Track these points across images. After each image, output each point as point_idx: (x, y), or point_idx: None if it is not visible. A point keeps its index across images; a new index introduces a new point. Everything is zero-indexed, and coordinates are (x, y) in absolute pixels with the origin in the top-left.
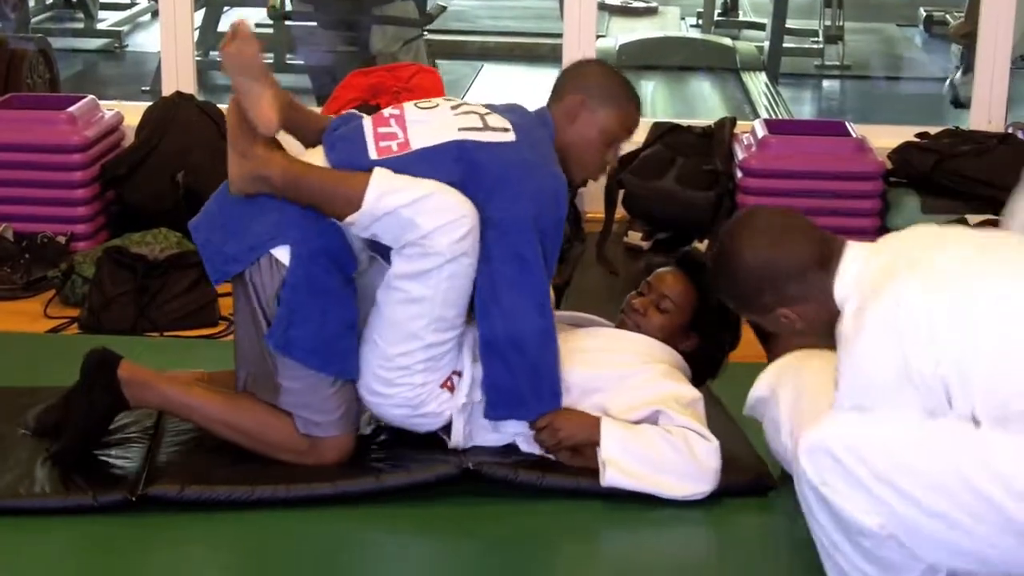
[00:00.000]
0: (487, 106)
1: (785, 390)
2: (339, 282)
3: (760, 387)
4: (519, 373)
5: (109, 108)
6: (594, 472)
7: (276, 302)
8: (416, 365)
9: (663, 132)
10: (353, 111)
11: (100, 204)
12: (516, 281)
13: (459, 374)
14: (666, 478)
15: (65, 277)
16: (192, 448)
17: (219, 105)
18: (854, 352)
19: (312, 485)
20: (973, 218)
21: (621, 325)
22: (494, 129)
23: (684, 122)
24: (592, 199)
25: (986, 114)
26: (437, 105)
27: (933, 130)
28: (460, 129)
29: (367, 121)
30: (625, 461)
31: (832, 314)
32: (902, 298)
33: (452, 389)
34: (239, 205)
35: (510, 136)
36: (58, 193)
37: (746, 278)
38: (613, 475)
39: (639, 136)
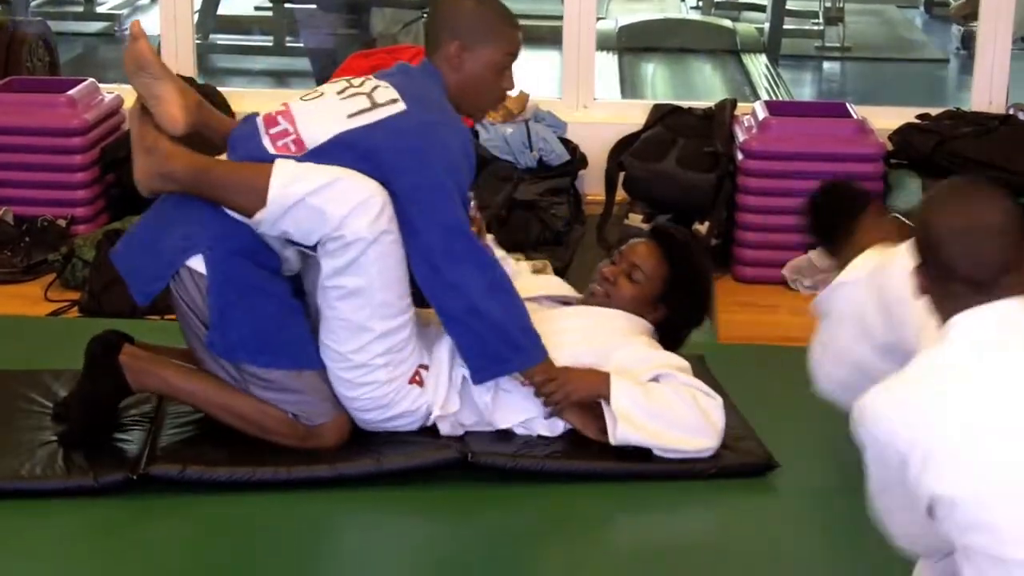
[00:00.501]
0: (376, 76)
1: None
2: (262, 277)
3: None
4: (487, 334)
5: (109, 91)
6: (594, 454)
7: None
8: (375, 360)
9: (664, 114)
10: (253, 113)
11: (100, 187)
12: (448, 250)
13: (425, 368)
14: (676, 432)
15: (65, 260)
16: (193, 430)
17: (220, 89)
18: (905, 378)
19: (312, 467)
20: None
21: (592, 294)
22: (382, 104)
23: (685, 104)
24: (593, 181)
25: (987, 95)
26: (323, 94)
27: (934, 111)
28: (349, 116)
29: (260, 120)
30: (635, 414)
31: (939, 316)
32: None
33: (421, 383)
34: (151, 227)
35: (400, 106)
36: (58, 176)
37: (918, 229)
38: (624, 430)
39: (640, 119)
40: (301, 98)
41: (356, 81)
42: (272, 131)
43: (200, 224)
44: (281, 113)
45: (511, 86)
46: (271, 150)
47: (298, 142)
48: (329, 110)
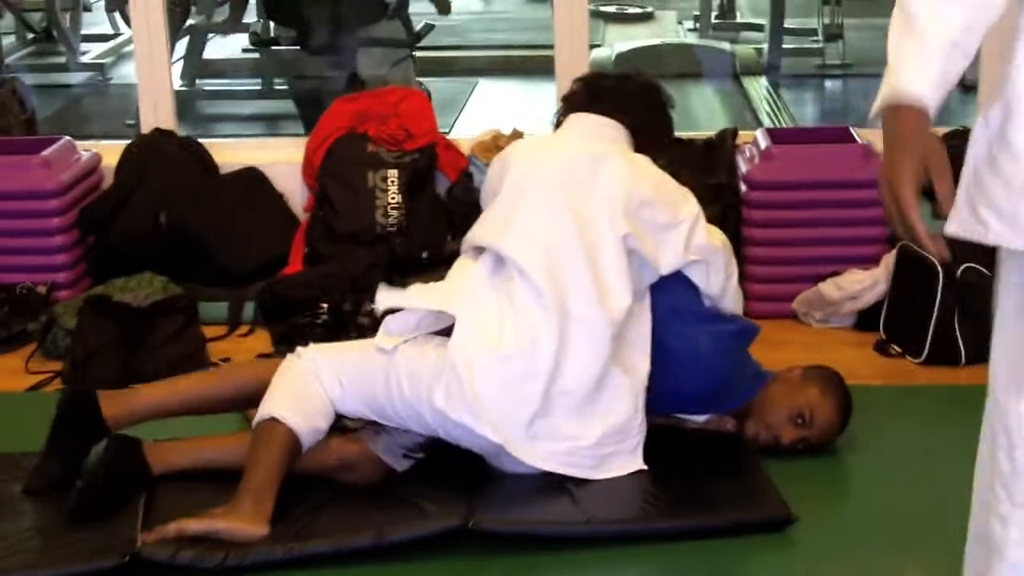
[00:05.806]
0: None
1: None
2: None
3: None
4: None
5: (86, 149)
6: (607, 517)
7: None
8: None
9: None
10: None
11: (80, 250)
12: None
13: None
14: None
15: (46, 330)
16: (184, 506)
17: (201, 140)
18: None
19: (309, 543)
20: None
21: None
22: None
23: (685, 135)
24: None
25: None
26: None
27: (940, 131)
28: None
29: None
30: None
31: None
32: None
33: None
34: None
35: None
36: (35, 241)
37: None
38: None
39: None
40: None
41: None
42: None
43: None
44: None
45: None
46: None
47: None
48: None
